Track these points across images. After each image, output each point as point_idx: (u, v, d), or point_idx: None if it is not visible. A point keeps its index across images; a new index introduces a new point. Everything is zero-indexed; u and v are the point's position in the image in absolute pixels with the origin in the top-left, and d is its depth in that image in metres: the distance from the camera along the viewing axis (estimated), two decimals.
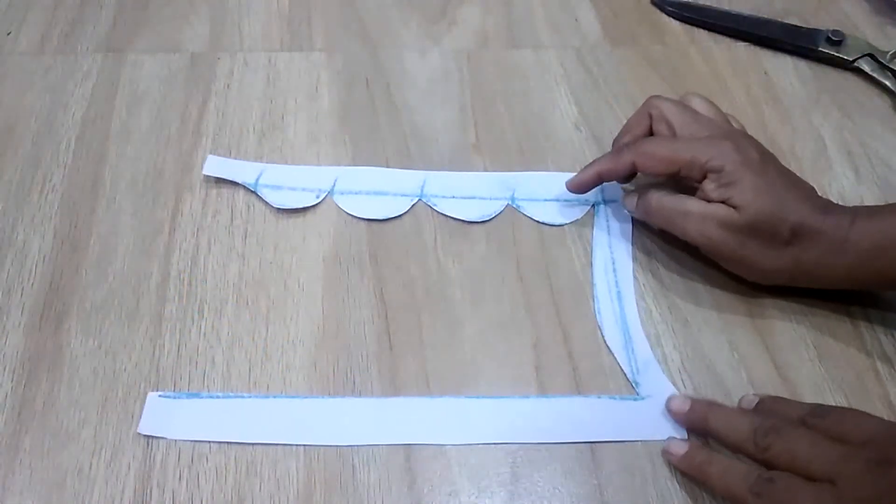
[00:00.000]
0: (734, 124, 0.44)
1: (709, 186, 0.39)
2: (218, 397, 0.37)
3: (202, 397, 0.37)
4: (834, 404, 0.38)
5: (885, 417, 0.37)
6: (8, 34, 0.53)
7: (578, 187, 0.44)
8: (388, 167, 0.47)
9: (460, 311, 0.41)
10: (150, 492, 0.34)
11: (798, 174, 0.41)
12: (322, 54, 0.54)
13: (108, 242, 0.42)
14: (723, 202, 0.39)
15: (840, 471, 0.31)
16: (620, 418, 0.37)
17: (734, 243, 0.39)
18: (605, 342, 0.40)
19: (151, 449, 0.35)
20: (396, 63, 0.53)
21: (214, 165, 0.46)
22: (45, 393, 0.37)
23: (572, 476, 0.35)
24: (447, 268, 0.43)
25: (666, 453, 0.36)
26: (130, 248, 0.42)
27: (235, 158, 0.47)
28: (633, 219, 0.45)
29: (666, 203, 0.41)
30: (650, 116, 0.43)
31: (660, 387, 0.38)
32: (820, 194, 0.41)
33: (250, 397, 0.37)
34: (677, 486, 0.35)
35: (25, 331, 0.39)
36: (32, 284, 0.40)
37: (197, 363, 0.38)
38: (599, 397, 0.38)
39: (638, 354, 0.39)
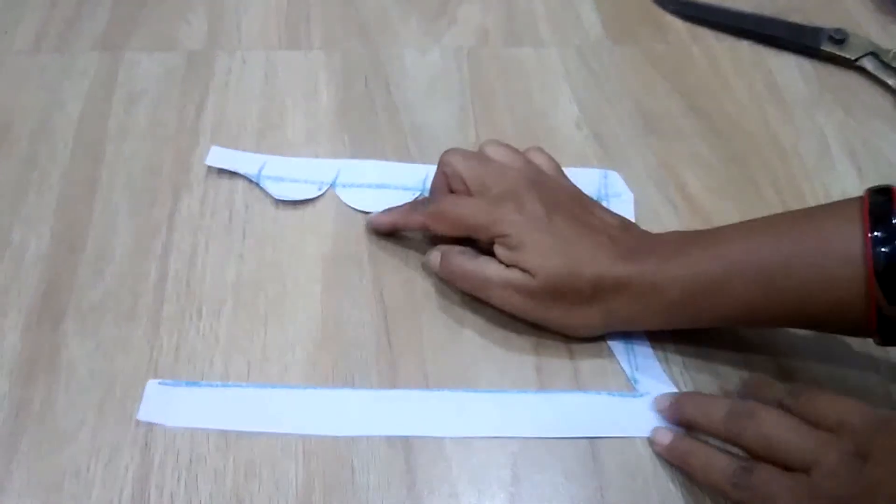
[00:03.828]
0: (541, 160, 0.42)
1: (499, 251, 0.38)
2: (217, 386, 0.37)
3: (201, 386, 0.37)
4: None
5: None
6: (4, 33, 0.53)
7: (373, 228, 0.43)
8: None
9: (460, 311, 0.40)
10: (149, 493, 0.34)
11: (801, 173, 0.41)
12: (321, 52, 0.53)
13: (106, 242, 0.42)
14: (516, 267, 0.37)
15: (816, 460, 0.30)
16: (619, 415, 0.37)
17: (540, 309, 0.38)
18: (605, 341, 0.40)
19: (150, 450, 0.35)
20: (396, 61, 0.53)
21: (217, 156, 0.46)
22: (43, 394, 0.36)
23: (573, 477, 0.35)
24: None
25: (652, 443, 0.36)
26: (128, 247, 0.42)
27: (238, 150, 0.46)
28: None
29: (468, 268, 0.39)
30: (444, 175, 0.41)
31: (659, 384, 0.38)
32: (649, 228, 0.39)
33: (249, 387, 0.37)
34: (679, 488, 0.35)
35: (22, 331, 0.38)
36: (29, 284, 0.40)
37: (195, 364, 0.38)
38: (599, 393, 0.38)
39: (638, 352, 0.39)
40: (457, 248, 0.40)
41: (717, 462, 0.33)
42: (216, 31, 0.54)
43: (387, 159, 0.47)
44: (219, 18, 0.55)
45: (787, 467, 0.31)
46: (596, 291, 0.37)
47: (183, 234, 0.43)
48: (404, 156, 0.47)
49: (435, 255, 0.41)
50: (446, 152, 0.41)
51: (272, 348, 0.39)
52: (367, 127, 0.49)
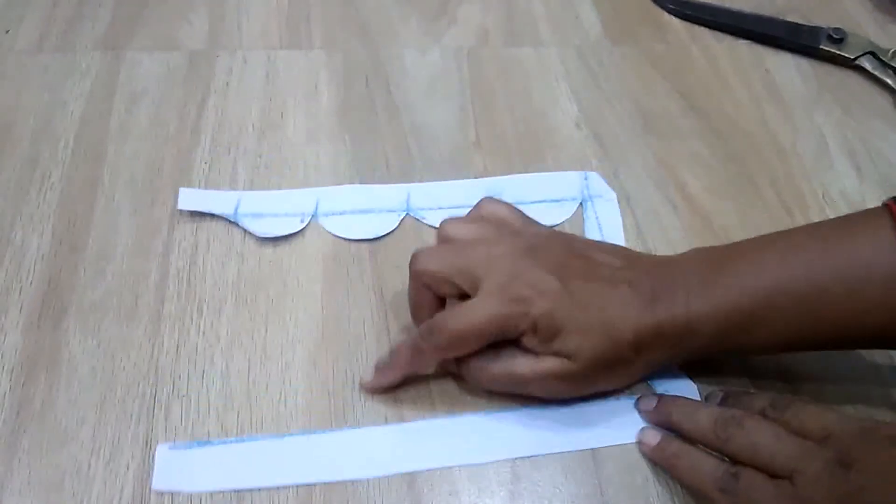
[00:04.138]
0: (498, 209, 0.38)
1: (531, 343, 0.34)
2: (229, 443, 0.35)
3: (213, 444, 0.35)
4: (831, 404, 0.37)
5: (888, 419, 0.37)
6: (7, 32, 0.53)
7: (377, 390, 0.37)
8: (387, 166, 0.47)
9: None
10: (149, 492, 0.34)
11: (800, 173, 0.41)
12: (321, 52, 0.53)
13: (107, 241, 0.42)
14: (549, 352, 0.34)
15: (799, 467, 0.30)
16: (622, 420, 0.37)
17: (583, 387, 0.36)
18: None
19: (150, 449, 0.35)
20: (396, 61, 0.53)
21: (189, 198, 0.44)
22: (44, 392, 0.37)
23: (573, 475, 0.35)
24: None
25: (639, 444, 0.36)
26: (129, 246, 0.42)
27: (209, 189, 0.44)
28: (622, 213, 0.45)
29: (494, 372, 0.35)
30: (427, 286, 0.36)
31: (677, 382, 0.38)
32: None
33: (261, 439, 0.36)
34: (679, 486, 0.35)
35: (24, 330, 0.39)
36: (31, 283, 0.40)
37: (196, 362, 0.38)
38: (606, 400, 0.37)
39: None
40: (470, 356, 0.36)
41: (704, 466, 0.33)
42: (217, 30, 0.54)
43: (387, 159, 0.47)
44: (220, 18, 0.55)
45: (771, 475, 0.31)
46: (637, 350, 0.35)
47: (184, 232, 0.43)
48: (404, 155, 0.47)
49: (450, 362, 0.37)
50: (412, 261, 0.36)
51: (273, 346, 0.39)
52: (367, 127, 0.49)
